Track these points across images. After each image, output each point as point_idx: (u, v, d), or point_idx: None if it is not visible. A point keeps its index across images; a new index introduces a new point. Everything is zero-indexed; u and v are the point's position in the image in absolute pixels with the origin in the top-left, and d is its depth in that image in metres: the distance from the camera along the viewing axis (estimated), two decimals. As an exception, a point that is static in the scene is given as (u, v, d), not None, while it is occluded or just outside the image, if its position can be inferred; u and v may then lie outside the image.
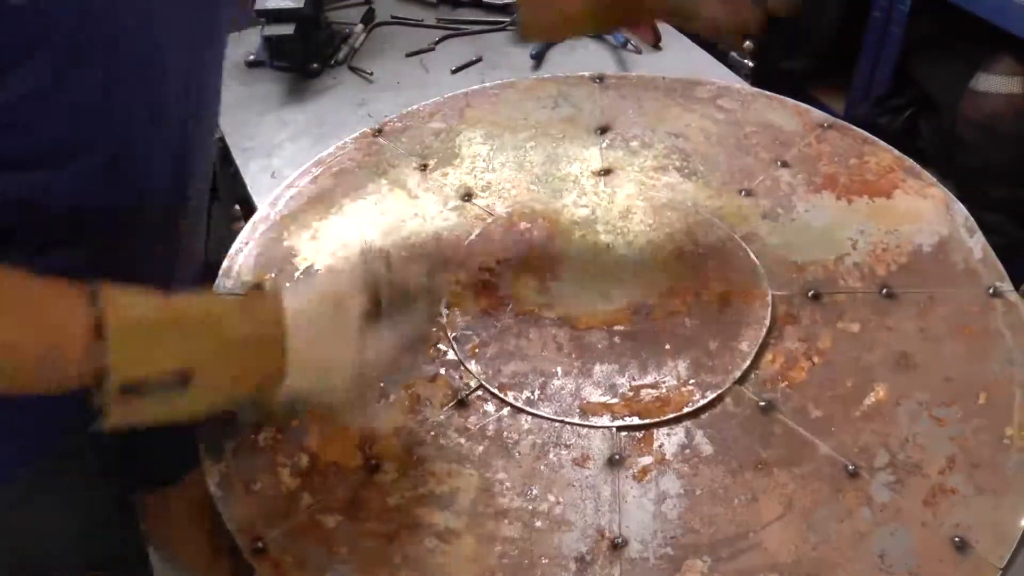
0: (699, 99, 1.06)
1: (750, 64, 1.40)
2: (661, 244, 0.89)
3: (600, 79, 1.11)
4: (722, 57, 1.33)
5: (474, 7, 1.44)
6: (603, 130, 1.03)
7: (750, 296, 0.82)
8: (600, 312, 0.83)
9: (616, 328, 0.81)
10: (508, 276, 0.86)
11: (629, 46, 1.32)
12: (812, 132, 1.00)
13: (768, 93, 1.07)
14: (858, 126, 1.02)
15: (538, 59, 1.32)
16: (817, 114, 1.03)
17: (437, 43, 1.38)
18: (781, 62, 1.86)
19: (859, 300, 0.81)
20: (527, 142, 1.02)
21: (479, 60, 1.33)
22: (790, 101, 1.05)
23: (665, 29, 1.36)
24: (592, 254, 0.89)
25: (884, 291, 0.81)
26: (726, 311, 0.82)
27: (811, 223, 0.90)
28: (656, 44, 1.33)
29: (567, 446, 0.72)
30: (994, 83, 1.50)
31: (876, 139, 0.98)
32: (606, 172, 0.97)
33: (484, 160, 1.01)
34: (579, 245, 0.90)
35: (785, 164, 0.96)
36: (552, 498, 0.69)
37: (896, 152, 0.97)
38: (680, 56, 1.33)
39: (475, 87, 1.12)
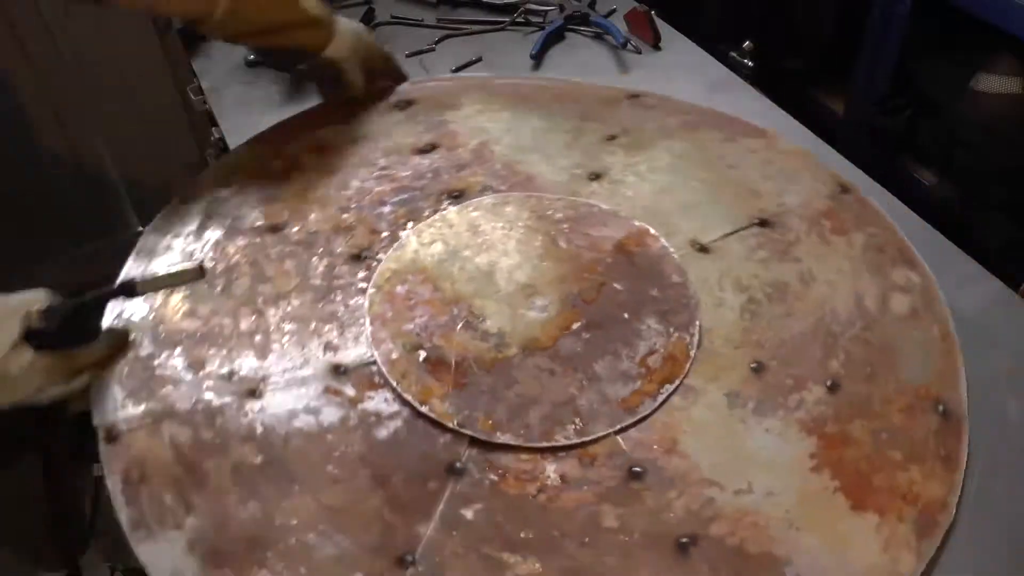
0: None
1: (750, 64, 1.40)
2: (526, 238, 0.92)
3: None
4: (722, 57, 1.33)
5: (474, 7, 1.44)
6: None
7: (639, 236, 0.89)
8: (547, 322, 0.83)
9: (574, 326, 0.82)
10: (443, 344, 0.82)
11: (629, 46, 1.32)
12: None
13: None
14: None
15: (537, 59, 1.32)
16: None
17: (437, 43, 1.38)
18: (781, 62, 1.85)
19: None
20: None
21: (479, 60, 1.33)
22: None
23: (665, 29, 1.37)
24: (485, 279, 0.88)
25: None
26: (633, 258, 0.87)
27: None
28: (656, 44, 1.33)
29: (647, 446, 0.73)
30: (994, 83, 1.50)
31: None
32: (457, 196, 0.99)
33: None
34: (467, 278, 0.88)
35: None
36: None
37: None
38: (680, 56, 1.33)
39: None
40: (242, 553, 0.67)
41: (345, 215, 0.96)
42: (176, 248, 0.93)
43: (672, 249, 0.89)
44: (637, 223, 0.92)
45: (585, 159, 1.03)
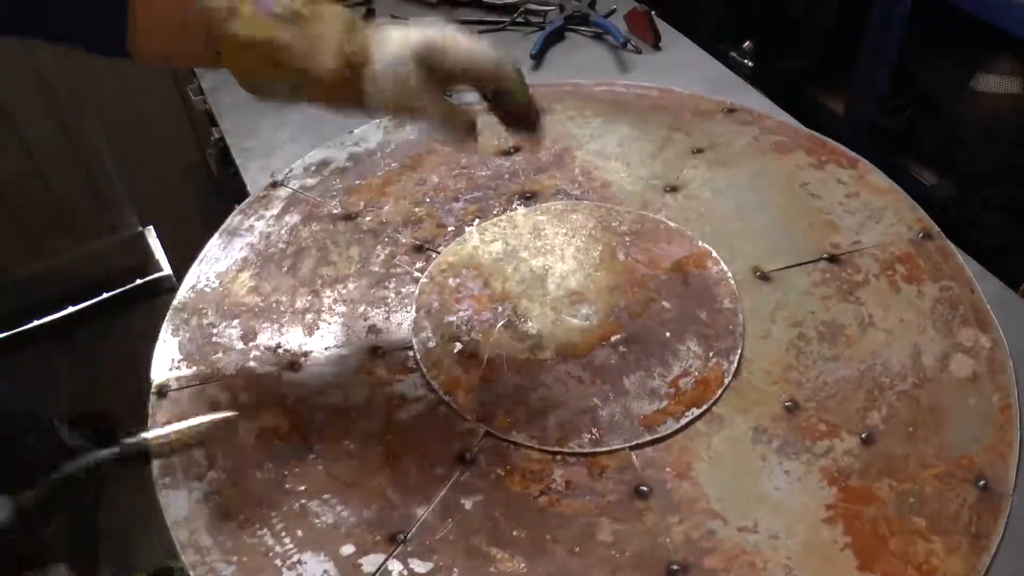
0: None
1: (750, 64, 1.41)
2: (586, 247, 0.92)
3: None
4: (721, 57, 1.33)
5: (474, 7, 1.44)
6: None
7: (700, 257, 0.89)
8: (587, 331, 0.83)
9: (613, 338, 0.82)
10: (480, 339, 0.84)
11: (629, 46, 1.32)
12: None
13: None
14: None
15: (537, 59, 1.32)
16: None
17: (437, 43, 1.37)
18: (781, 62, 1.86)
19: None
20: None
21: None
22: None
23: (665, 29, 1.37)
24: (536, 281, 0.89)
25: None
26: (689, 278, 0.87)
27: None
28: (656, 44, 1.33)
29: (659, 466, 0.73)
30: (994, 83, 1.50)
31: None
32: (529, 197, 1.00)
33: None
34: (518, 278, 0.90)
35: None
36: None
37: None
38: (680, 56, 1.33)
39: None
40: (249, 510, 0.71)
41: (417, 208, 0.99)
42: (257, 229, 0.99)
43: (731, 273, 0.88)
44: (701, 244, 0.91)
45: (665, 170, 1.02)
